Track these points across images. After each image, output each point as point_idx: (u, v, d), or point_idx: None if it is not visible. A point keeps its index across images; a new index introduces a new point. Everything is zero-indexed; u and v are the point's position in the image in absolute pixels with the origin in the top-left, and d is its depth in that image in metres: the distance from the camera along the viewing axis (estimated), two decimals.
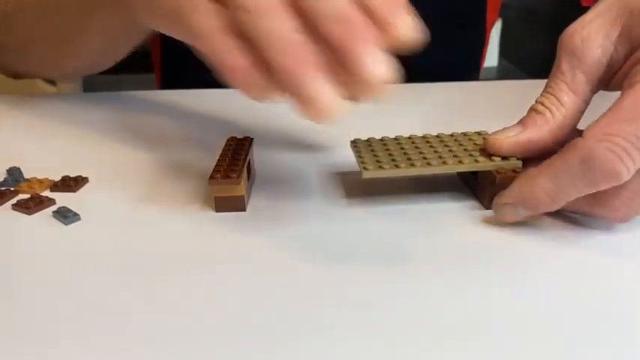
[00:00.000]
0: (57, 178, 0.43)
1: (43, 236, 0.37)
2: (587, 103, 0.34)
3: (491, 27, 0.74)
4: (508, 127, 0.36)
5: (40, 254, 0.35)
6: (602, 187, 0.30)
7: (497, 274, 0.32)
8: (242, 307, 0.30)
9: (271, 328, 0.29)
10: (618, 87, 0.33)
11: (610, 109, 0.31)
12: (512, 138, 0.35)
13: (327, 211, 0.39)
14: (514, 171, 0.36)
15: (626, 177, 0.29)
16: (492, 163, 0.37)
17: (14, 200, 0.40)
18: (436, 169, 0.37)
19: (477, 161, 0.37)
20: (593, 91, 0.35)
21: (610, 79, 0.35)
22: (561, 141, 0.33)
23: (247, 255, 0.35)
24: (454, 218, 0.37)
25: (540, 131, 0.34)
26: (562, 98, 0.34)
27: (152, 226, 0.38)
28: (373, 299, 0.31)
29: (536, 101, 0.35)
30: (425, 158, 0.37)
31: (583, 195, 0.31)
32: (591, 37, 0.33)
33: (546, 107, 0.34)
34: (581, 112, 0.35)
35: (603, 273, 0.32)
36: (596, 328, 0.28)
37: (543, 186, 0.32)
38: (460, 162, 0.37)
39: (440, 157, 0.38)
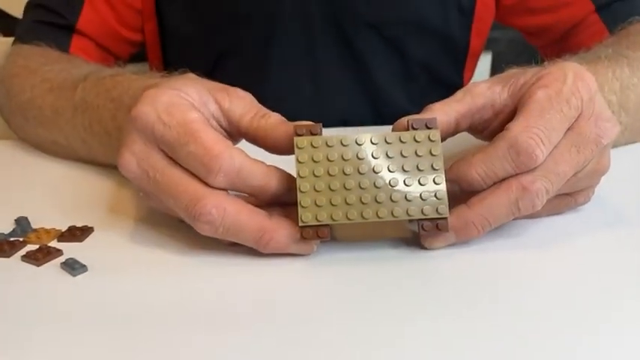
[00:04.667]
0: (63, 227, 0.45)
1: (52, 288, 0.38)
2: (467, 110, 0.42)
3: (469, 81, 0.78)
4: None
5: (50, 307, 0.37)
6: (523, 169, 0.38)
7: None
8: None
9: None
10: (497, 132, 0.40)
11: (521, 114, 0.39)
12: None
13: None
14: (437, 227, 0.38)
15: (541, 159, 0.38)
16: (418, 216, 0.38)
17: (23, 251, 0.42)
18: (370, 220, 0.38)
19: (408, 213, 0.38)
20: (473, 109, 0.42)
21: (492, 119, 0.42)
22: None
23: (257, 302, 0.36)
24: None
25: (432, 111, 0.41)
26: (445, 100, 0.42)
27: (160, 276, 0.39)
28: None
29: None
30: (362, 203, 0.38)
31: (507, 176, 0.38)
32: (481, 84, 0.43)
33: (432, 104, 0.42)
34: (462, 115, 0.41)
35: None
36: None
37: (477, 168, 0.39)
38: (392, 213, 0.38)
39: (375, 204, 0.38)
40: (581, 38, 0.68)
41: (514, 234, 0.42)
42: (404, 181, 0.39)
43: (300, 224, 0.38)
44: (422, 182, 0.39)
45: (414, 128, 0.39)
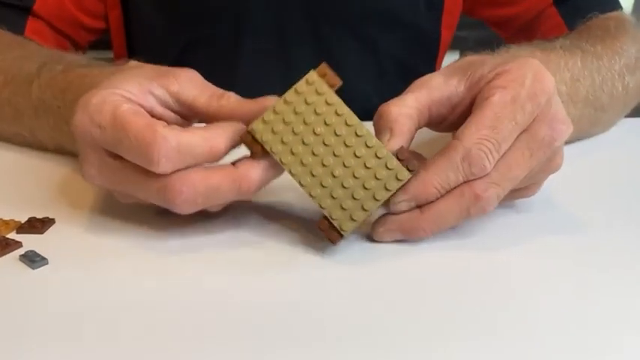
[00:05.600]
0: (23, 218, 0.43)
1: (10, 281, 0.37)
2: (425, 108, 0.41)
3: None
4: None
5: (7, 301, 0.35)
6: (474, 177, 0.38)
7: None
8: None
9: None
10: (454, 127, 0.40)
11: (475, 117, 0.39)
12: (389, 142, 0.39)
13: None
14: (329, 237, 0.38)
15: (489, 169, 0.38)
16: (326, 213, 0.38)
17: None
18: (293, 177, 0.39)
19: (320, 204, 0.38)
20: (431, 105, 0.41)
21: (449, 113, 0.42)
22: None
23: (225, 294, 0.36)
24: None
25: (399, 122, 0.40)
26: (404, 98, 0.41)
27: (123, 269, 0.38)
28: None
29: (382, 107, 0.41)
30: (302, 163, 0.38)
31: (459, 184, 0.39)
32: (437, 76, 0.42)
33: (392, 104, 0.40)
34: (422, 114, 0.41)
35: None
36: None
37: (433, 182, 0.39)
38: (310, 192, 0.38)
39: (308, 174, 0.38)
40: (541, 30, 0.69)
41: (463, 234, 0.42)
42: (342, 183, 0.38)
43: (248, 129, 0.39)
44: (355, 197, 0.38)
45: (399, 159, 0.38)
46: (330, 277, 0.38)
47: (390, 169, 0.38)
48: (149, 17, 0.71)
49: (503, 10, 0.73)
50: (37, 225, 0.42)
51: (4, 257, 0.39)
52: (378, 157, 0.38)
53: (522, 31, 0.72)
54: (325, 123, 0.38)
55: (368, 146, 0.38)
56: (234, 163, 0.39)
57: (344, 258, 0.40)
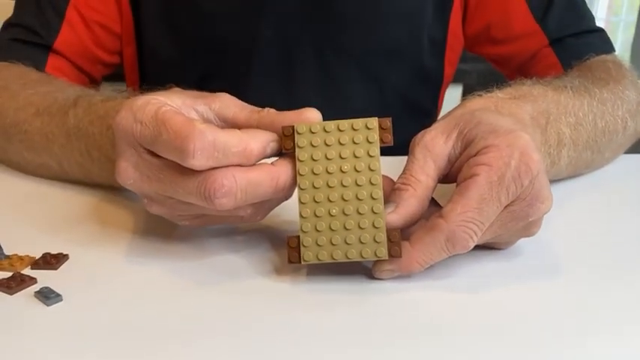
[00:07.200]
0: (37, 254, 0.44)
1: (26, 318, 0.38)
2: (435, 182, 0.42)
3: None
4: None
5: (22, 337, 0.36)
6: (455, 253, 0.41)
7: None
8: None
9: None
10: (452, 179, 0.42)
11: (460, 197, 0.40)
12: (390, 215, 0.41)
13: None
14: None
15: (472, 246, 0.40)
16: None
17: None
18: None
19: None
20: (439, 175, 0.43)
21: (448, 170, 0.43)
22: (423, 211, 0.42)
23: (236, 329, 0.36)
24: None
25: (408, 203, 0.41)
26: (419, 177, 0.42)
27: (137, 306, 0.39)
28: None
29: (397, 182, 0.42)
30: (314, 186, 0.40)
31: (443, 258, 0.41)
32: (437, 136, 0.43)
33: (408, 184, 0.42)
34: (432, 190, 0.42)
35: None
36: None
37: (417, 258, 0.41)
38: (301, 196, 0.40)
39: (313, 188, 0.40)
40: (536, 70, 0.71)
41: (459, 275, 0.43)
42: (331, 224, 0.40)
43: (293, 124, 0.41)
44: (333, 242, 0.40)
45: (389, 239, 0.40)
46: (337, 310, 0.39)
47: (375, 242, 0.40)
48: (163, 52, 0.73)
49: (500, 48, 0.75)
50: (52, 261, 0.43)
51: (19, 293, 0.40)
52: (375, 226, 0.40)
53: (520, 70, 0.74)
54: (355, 169, 0.41)
55: (373, 211, 0.40)
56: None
57: (349, 296, 0.41)
